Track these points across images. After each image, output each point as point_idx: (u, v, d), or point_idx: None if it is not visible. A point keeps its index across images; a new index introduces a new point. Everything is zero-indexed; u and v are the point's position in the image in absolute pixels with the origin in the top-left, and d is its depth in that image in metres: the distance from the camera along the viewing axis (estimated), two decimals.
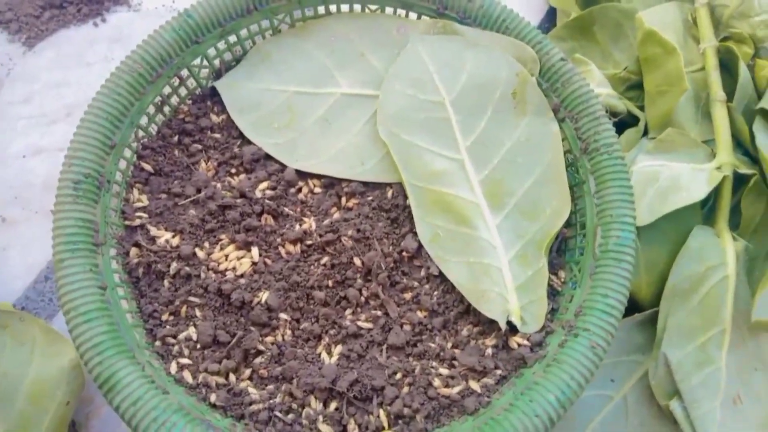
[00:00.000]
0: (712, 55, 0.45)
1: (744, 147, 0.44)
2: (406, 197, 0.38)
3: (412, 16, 0.42)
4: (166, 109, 0.39)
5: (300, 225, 0.37)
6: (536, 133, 0.39)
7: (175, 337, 0.33)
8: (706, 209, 0.43)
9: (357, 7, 0.42)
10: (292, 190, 0.38)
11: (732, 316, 0.39)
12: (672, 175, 0.41)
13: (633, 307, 0.42)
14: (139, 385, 0.29)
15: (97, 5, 0.51)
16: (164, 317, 0.34)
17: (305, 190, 0.38)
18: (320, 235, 0.36)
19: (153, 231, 0.35)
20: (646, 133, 0.46)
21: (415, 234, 0.37)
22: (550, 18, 0.55)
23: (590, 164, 0.37)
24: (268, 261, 0.36)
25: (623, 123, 0.46)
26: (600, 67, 0.48)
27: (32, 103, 0.48)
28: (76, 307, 0.30)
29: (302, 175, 0.39)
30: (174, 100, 0.39)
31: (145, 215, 0.36)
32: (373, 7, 0.42)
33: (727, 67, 0.46)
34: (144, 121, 0.37)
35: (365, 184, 0.38)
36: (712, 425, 0.37)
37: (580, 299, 0.34)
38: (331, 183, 0.39)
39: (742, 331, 0.39)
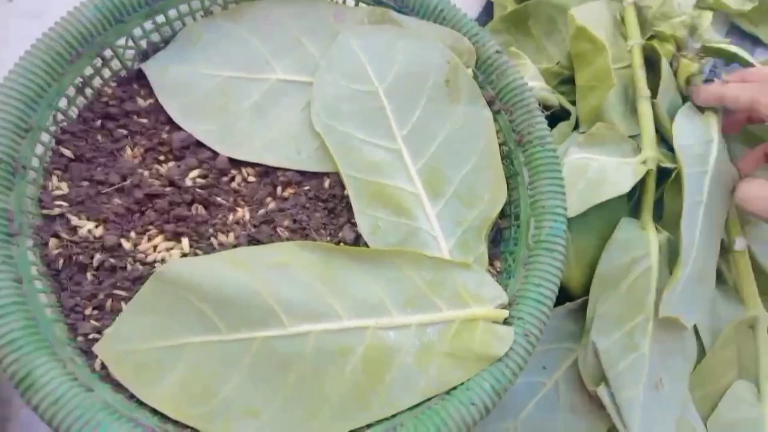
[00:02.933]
0: (638, 53, 0.47)
1: (668, 142, 0.46)
2: (343, 187, 0.37)
3: (350, 3, 0.41)
4: (88, 91, 0.37)
5: (233, 215, 0.36)
6: (470, 120, 0.39)
7: (99, 332, 0.31)
8: (633, 201, 0.45)
9: None
10: (225, 178, 0.37)
11: (655, 304, 0.41)
12: (601, 168, 0.42)
13: (565, 295, 0.43)
14: (60, 383, 0.27)
15: None
16: (87, 311, 0.32)
17: (239, 178, 0.37)
18: (255, 226, 0.35)
19: (74, 220, 0.33)
20: (577, 126, 0.47)
21: (353, 224, 0.36)
22: (488, 11, 0.56)
23: (524, 156, 0.38)
24: (200, 252, 0.34)
25: (556, 116, 0.47)
26: (534, 61, 0.49)
27: None
28: None
29: (235, 163, 0.37)
30: (97, 82, 0.37)
31: (66, 204, 0.34)
32: None
33: (653, 64, 0.48)
34: (63, 103, 0.35)
35: (302, 173, 0.38)
36: (636, 409, 0.39)
37: (515, 289, 0.35)
38: (266, 171, 0.37)
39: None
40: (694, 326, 0.43)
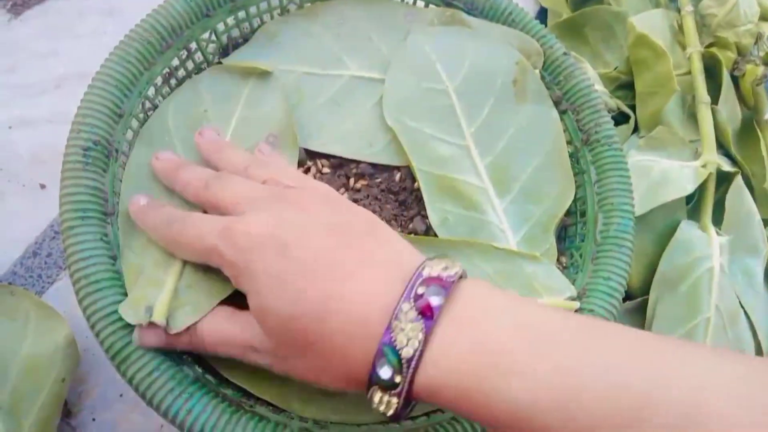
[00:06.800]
0: (697, 59, 0.48)
1: (724, 147, 0.47)
2: (413, 180, 0.38)
3: (420, 4, 0.43)
4: (173, 81, 0.38)
5: None
6: (537, 119, 0.40)
7: None
8: (690, 205, 0.46)
9: None
10: (301, 169, 0.38)
11: (715, 305, 0.41)
12: (663, 170, 0.43)
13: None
14: (153, 357, 0.28)
15: None
16: None
17: (314, 170, 0.38)
18: None
19: None
20: (636, 130, 0.48)
21: (423, 216, 0.37)
22: (541, 18, 0.57)
23: (591, 155, 0.39)
24: None
25: (614, 120, 0.48)
26: (591, 66, 0.50)
27: (17, 73, 0.46)
28: (87, 276, 0.29)
29: (311, 154, 0.38)
30: (180, 73, 0.39)
31: None
32: None
33: (711, 71, 0.48)
34: (151, 92, 0.36)
35: (374, 166, 0.39)
36: None
37: (583, 282, 0.36)
38: (339, 164, 0.39)
39: (723, 319, 0.42)
40: (753, 328, 0.43)
